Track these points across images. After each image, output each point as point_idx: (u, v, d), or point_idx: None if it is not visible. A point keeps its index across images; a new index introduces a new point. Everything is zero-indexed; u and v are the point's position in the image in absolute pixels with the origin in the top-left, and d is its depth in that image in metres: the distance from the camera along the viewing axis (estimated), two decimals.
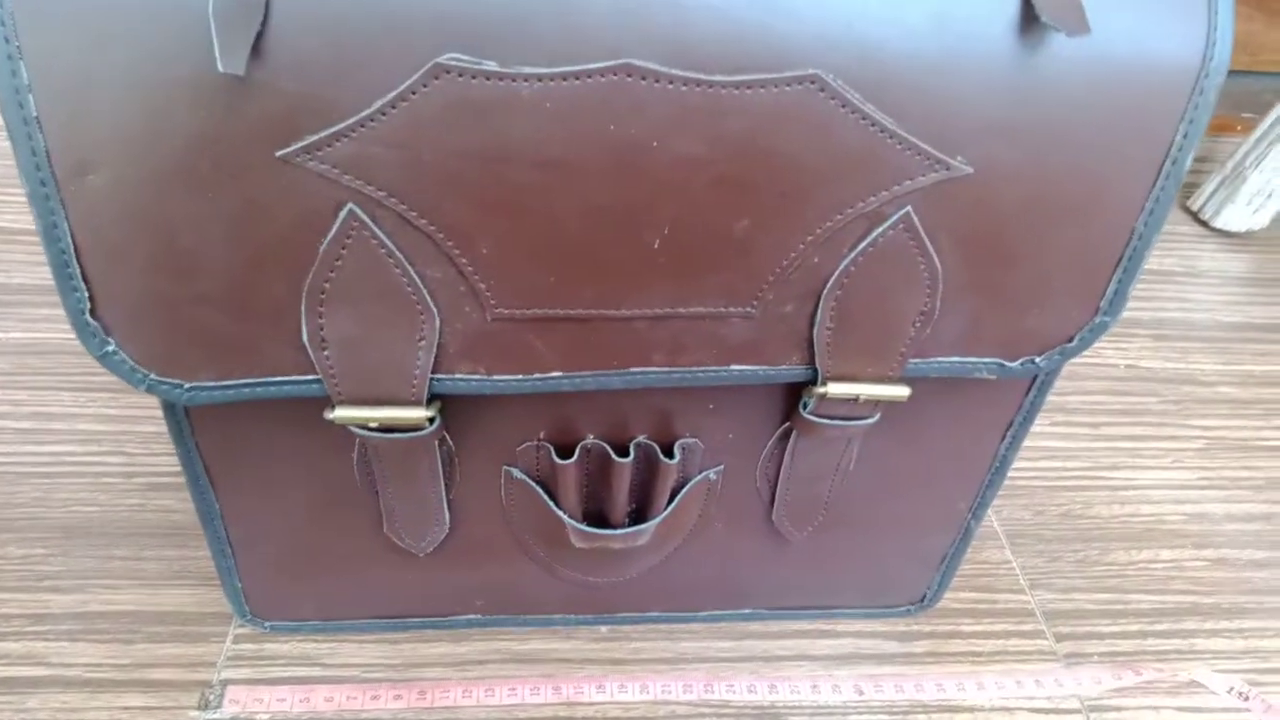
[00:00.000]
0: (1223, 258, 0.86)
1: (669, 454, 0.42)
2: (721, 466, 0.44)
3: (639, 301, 0.35)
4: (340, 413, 0.36)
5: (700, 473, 0.43)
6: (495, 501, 0.44)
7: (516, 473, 0.42)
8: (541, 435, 0.41)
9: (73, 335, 0.69)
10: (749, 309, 0.35)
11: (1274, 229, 0.89)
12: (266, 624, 0.48)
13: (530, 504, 0.43)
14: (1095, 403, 0.68)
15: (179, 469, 0.42)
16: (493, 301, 0.34)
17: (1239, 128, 1.04)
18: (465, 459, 0.42)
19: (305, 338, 0.34)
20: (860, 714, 0.47)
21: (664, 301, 0.35)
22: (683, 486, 0.43)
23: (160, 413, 0.39)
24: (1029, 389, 0.42)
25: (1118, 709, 0.48)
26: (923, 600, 0.51)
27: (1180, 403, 0.68)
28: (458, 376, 0.36)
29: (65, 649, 0.47)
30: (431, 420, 0.37)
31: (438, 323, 0.34)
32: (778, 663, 0.49)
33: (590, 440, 0.41)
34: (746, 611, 0.51)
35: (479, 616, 0.49)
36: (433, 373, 0.35)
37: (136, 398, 0.61)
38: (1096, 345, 0.72)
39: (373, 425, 0.36)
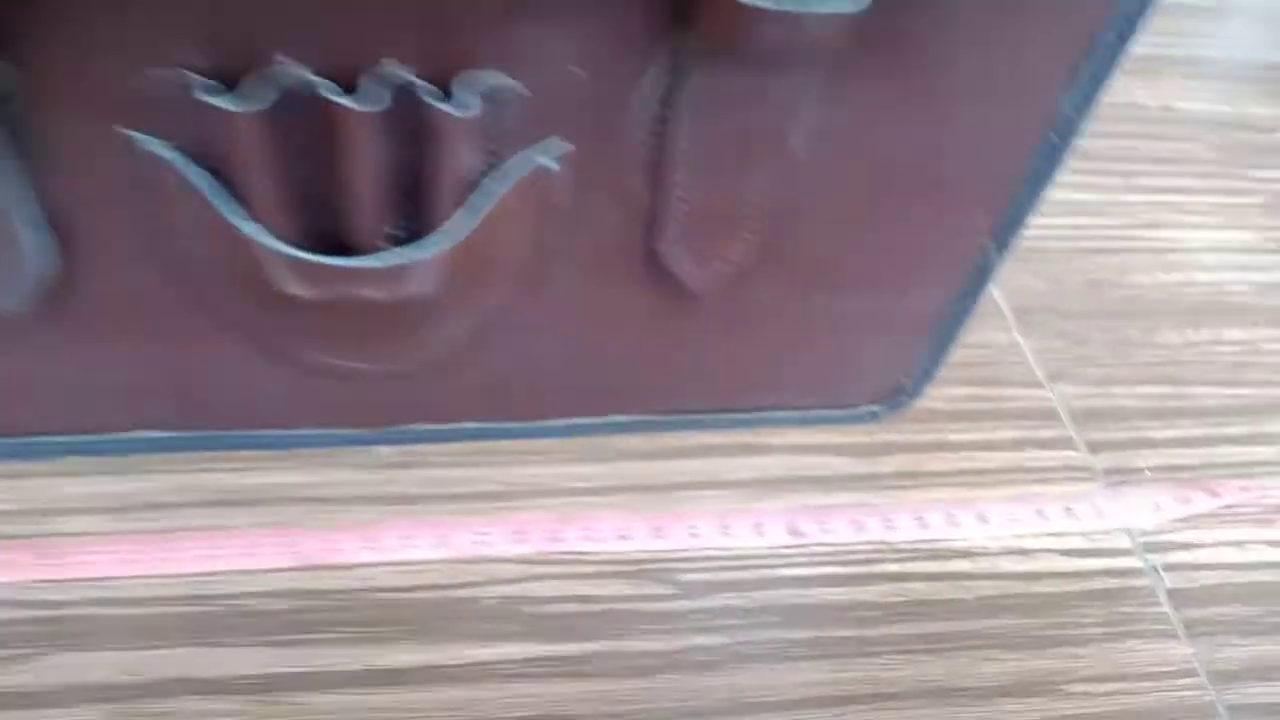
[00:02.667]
0: None
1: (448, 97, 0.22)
2: (569, 148, 0.24)
3: None
4: None
5: (523, 155, 0.23)
6: (126, 203, 0.23)
7: (152, 143, 0.22)
8: (188, 57, 0.21)
9: None
10: None
11: None
12: None
13: (189, 207, 0.23)
14: (1126, 148, 0.49)
15: None
16: None
17: None
18: (56, 117, 0.21)
19: None
20: (798, 566, 0.29)
21: None
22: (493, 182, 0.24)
23: None
24: None
25: (1186, 546, 0.31)
26: (895, 397, 0.33)
27: (1231, 151, 0.50)
28: None
29: None
30: None
31: None
32: (669, 494, 0.31)
33: (288, 67, 0.21)
34: (620, 420, 0.32)
35: (161, 435, 0.29)
36: None
37: None
38: (1123, 82, 0.53)
39: None
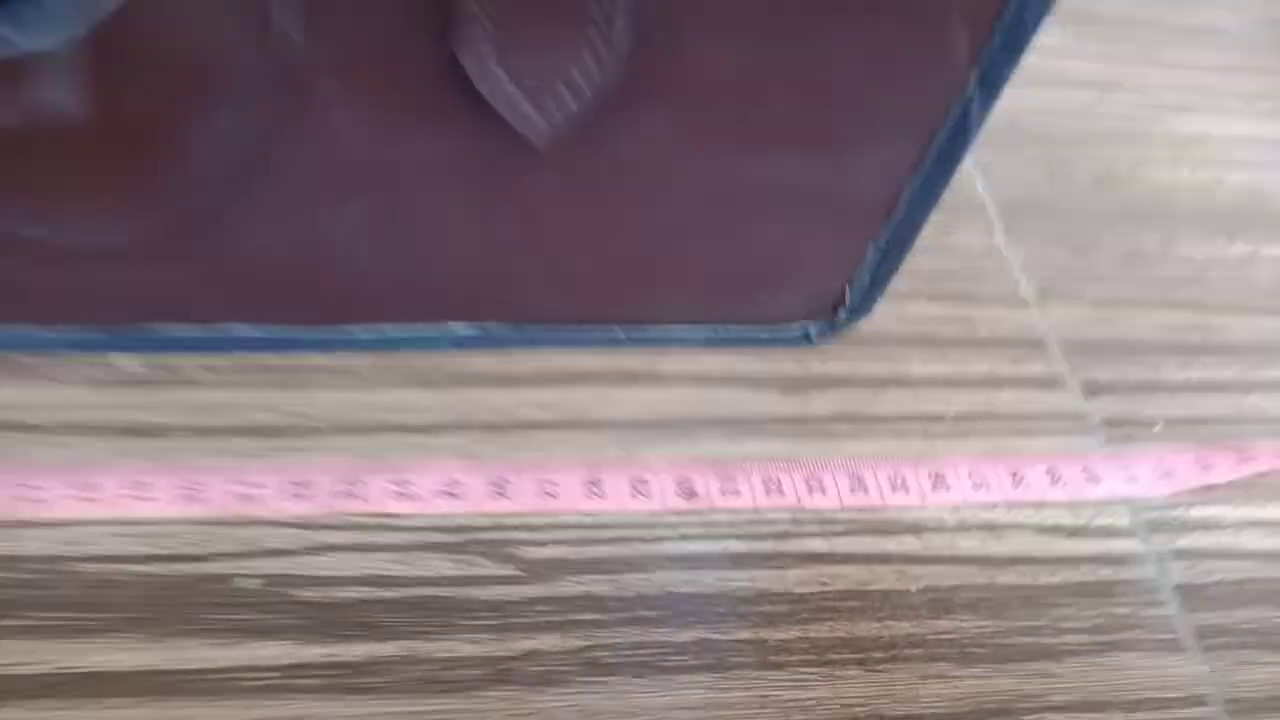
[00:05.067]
0: None
1: None
2: None
3: None
4: None
5: None
6: None
7: None
8: None
9: None
10: None
11: None
12: None
13: None
14: (1149, 14, 0.40)
15: None
16: None
17: None
18: None
19: None
20: (688, 540, 0.22)
21: None
22: None
23: None
24: None
25: (1203, 527, 0.24)
26: (834, 313, 0.25)
27: (1274, 25, 0.42)
28: None
29: None
30: None
31: None
32: (520, 436, 0.23)
33: None
34: (460, 331, 0.23)
35: None
36: None
37: None
38: None
39: None
